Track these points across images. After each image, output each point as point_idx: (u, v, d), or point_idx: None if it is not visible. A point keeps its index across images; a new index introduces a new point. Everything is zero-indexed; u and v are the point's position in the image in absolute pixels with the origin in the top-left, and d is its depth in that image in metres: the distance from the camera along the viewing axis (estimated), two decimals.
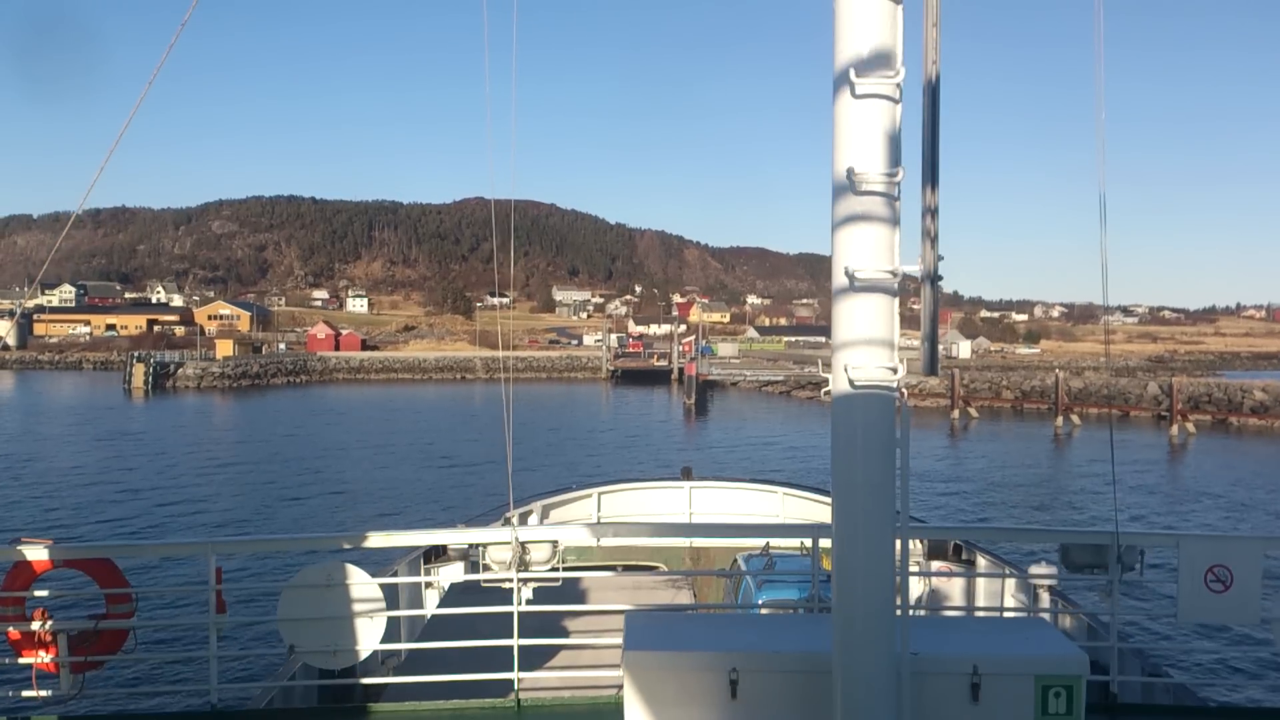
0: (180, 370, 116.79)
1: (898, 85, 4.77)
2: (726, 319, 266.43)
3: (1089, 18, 5.54)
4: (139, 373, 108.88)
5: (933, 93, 5.13)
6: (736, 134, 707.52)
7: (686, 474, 17.20)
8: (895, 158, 4.80)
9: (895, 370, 4.86)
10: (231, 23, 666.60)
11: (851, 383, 4.84)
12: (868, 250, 4.80)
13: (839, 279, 4.85)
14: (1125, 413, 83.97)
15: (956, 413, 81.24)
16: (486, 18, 7.45)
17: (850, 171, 4.74)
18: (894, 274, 4.83)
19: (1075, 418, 76.57)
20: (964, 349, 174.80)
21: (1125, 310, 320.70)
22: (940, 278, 5.16)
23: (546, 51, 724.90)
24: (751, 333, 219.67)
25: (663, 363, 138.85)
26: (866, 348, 4.84)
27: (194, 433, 68.86)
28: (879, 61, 4.73)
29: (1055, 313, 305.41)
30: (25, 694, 7.39)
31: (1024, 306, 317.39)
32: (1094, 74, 5.59)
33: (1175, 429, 69.86)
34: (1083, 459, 57.30)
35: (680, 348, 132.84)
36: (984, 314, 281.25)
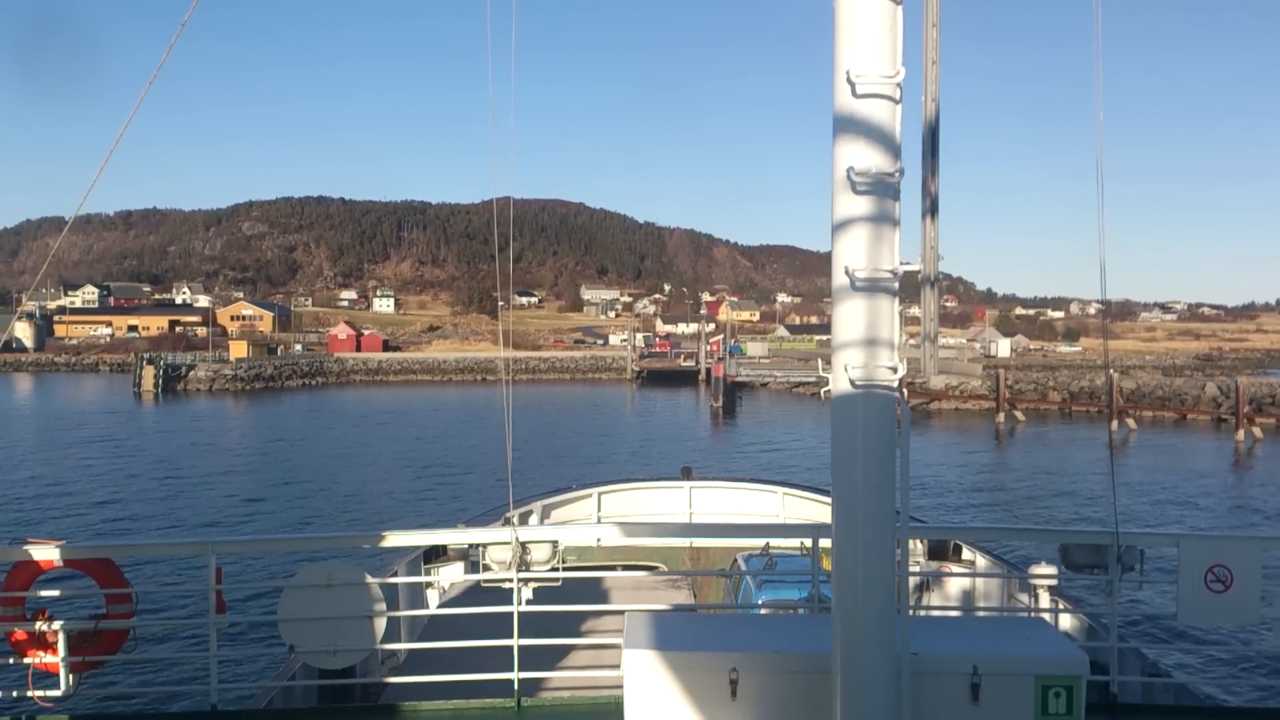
0: (191, 373, 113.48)
1: (898, 85, 4.71)
2: (756, 317, 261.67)
3: (1088, 17, 5.57)
4: (149, 375, 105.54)
5: (933, 92, 5.14)
6: (750, 133, 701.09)
7: (686, 474, 17.04)
8: (895, 157, 4.75)
9: (895, 370, 4.80)
10: (260, 24, 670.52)
11: (852, 383, 4.81)
12: (868, 250, 4.75)
13: (839, 278, 4.83)
14: (1182, 415, 78.59)
15: (1002, 416, 76.02)
16: (490, 21, 7.37)
17: (850, 171, 4.71)
18: (894, 274, 4.77)
19: (1131, 421, 71.26)
20: (1003, 347, 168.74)
21: (1163, 307, 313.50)
22: (939, 278, 5.21)
23: (571, 53, 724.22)
24: (782, 331, 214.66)
25: (689, 363, 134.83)
26: (866, 348, 4.79)
27: (188, 438, 65.47)
28: (879, 61, 4.68)
29: (1091, 309, 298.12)
30: (25, 694, 7.31)
31: (1059, 304, 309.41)
32: (1093, 71, 5.63)
33: (1241, 434, 64.63)
34: (1146, 469, 52.21)
35: (708, 347, 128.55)
36: (1019, 311, 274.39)
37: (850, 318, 4.83)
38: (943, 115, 5.26)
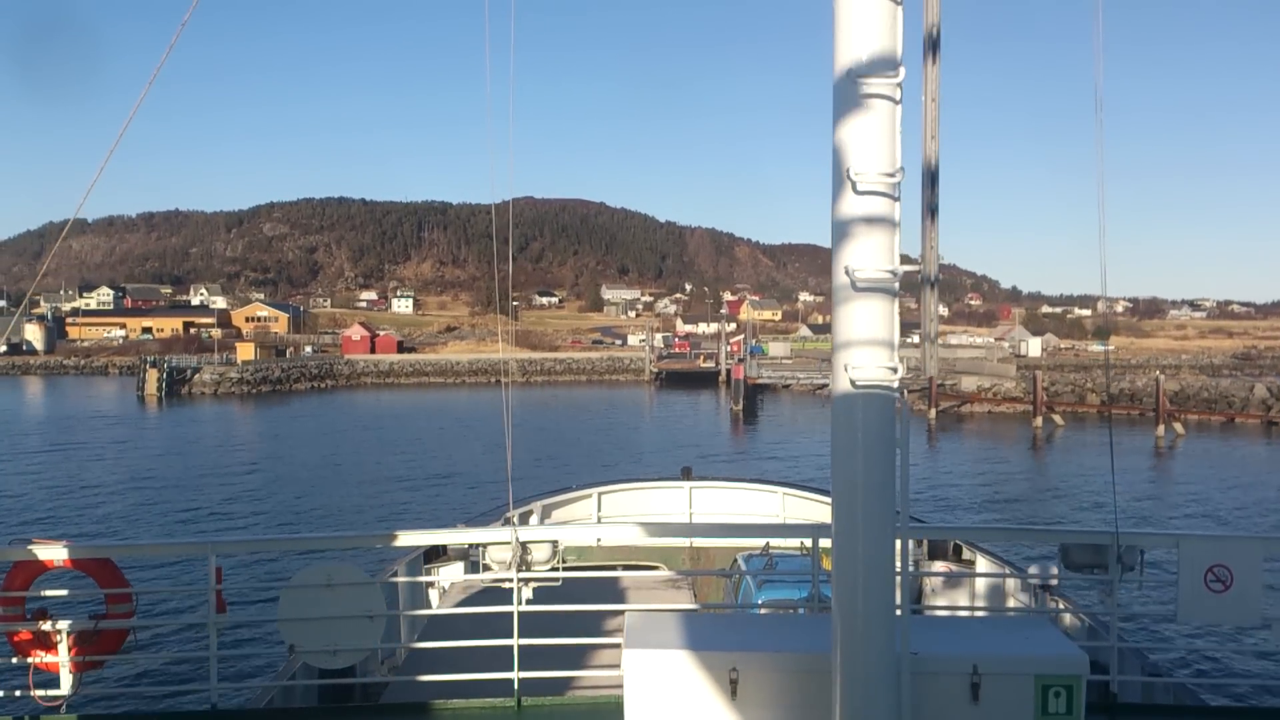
0: (196, 375, 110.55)
1: (898, 85, 4.73)
2: (778, 317, 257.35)
3: (1088, 17, 5.59)
4: (151, 378, 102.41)
5: (932, 92, 5.13)
6: (763, 131, 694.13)
7: (686, 474, 16.98)
8: (895, 158, 4.75)
9: (895, 370, 4.83)
10: (281, 25, 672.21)
11: (852, 383, 4.83)
12: (868, 250, 4.76)
13: (839, 279, 4.85)
14: (1230, 418, 74.15)
15: (1039, 420, 71.59)
16: (488, 22, 7.33)
17: (850, 171, 4.74)
18: (894, 274, 4.79)
19: (1178, 426, 66.84)
20: (1034, 346, 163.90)
21: (1192, 304, 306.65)
22: (939, 278, 5.19)
23: (589, 53, 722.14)
24: (804, 331, 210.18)
25: (709, 364, 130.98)
26: (867, 348, 4.79)
27: (171, 444, 62.74)
28: (879, 61, 4.70)
29: (1119, 308, 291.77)
30: (26, 694, 7.33)
31: (1086, 301, 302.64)
32: (1094, 70, 5.63)
33: None
34: (1201, 479, 47.99)
35: (729, 347, 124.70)
36: (1045, 309, 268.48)
37: (850, 318, 4.80)
38: (947, 114, 5.26)
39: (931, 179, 5.12)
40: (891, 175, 4.71)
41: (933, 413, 77.73)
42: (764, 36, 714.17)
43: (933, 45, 5.03)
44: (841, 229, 4.79)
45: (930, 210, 5.13)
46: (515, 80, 7.41)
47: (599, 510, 16.37)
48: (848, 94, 4.71)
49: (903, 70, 4.70)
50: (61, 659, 7.34)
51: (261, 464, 53.31)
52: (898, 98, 4.73)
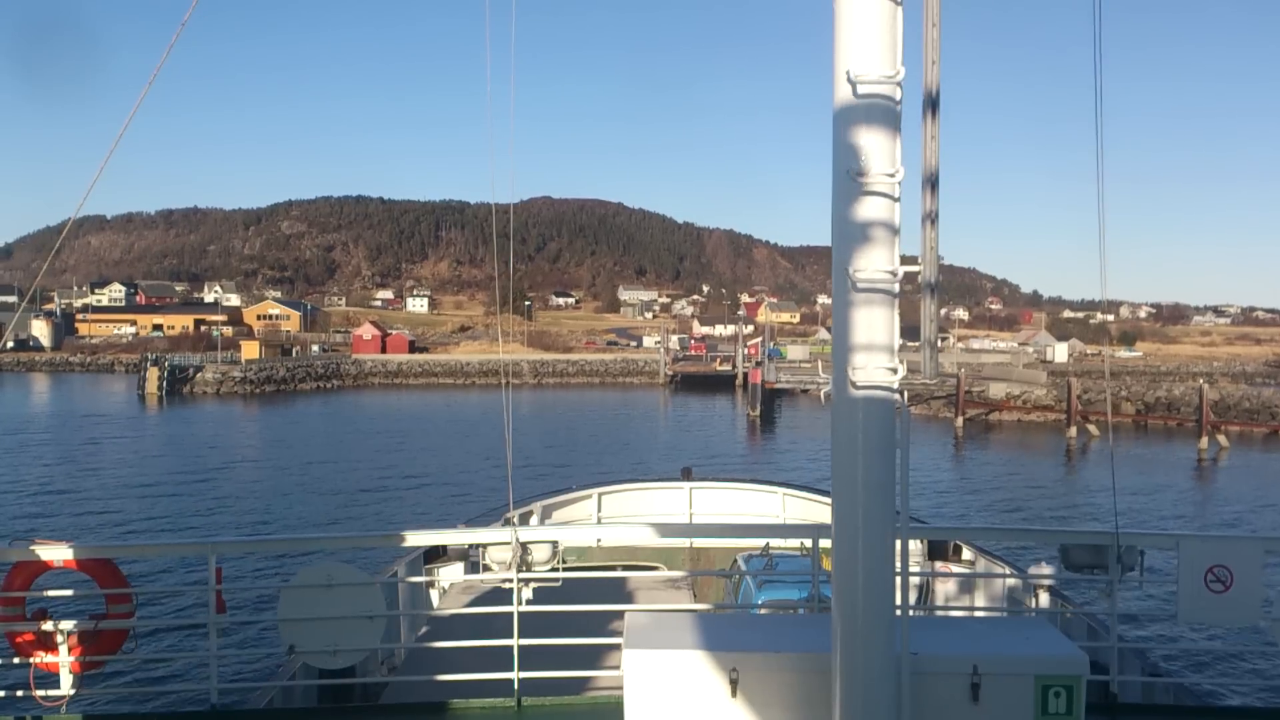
0: (199, 374, 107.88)
1: (898, 85, 4.75)
2: (796, 319, 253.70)
3: (1088, 18, 5.57)
4: (153, 377, 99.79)
5: (933, 93, 5.17)
6: (768, 134, 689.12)
7: (686, 474, 17.07)
8: (895, 158, 4.74)
9: (896, 371, 4.83)
10: (301, 24, 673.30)
11: (853, 384, 4.85)
12: (868, 252, 4.74)
13: (839, 280, 4.88)
14: (1274, 430, 70.29)
15: (1074, 430, 67.86)
16: (489, 23, 7.41)
17: (850, 172, 4.75)
18: (894, 275, 4.78)
19: (1222, 438, 63.03)
20: (1060, 352, 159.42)
21: (1217, 310, 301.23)
22: (939, 280, 5.18)
23: (596, 52, 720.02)
24: (823, 334, 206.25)
25: (725, 367, 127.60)
26: (867, 349, 4.80)
27: (167, 446, 60.13)
28: (879, 61, 4.72)
29: (1142, 313, 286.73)
30: (26, 694, 7.37)
31: (1108, 307, 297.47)
32: (1094, 71, 5.61)
33: None
34: (1259, 496, 44.36)
35: (746, 350, 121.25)
36: (1067, 314, 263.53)
37: (851, 319, 4.80)
38: (957, 118, 5.14)
39: (931, 181, 5.04)
40: (892, 176, 4.65)
41: (960, 420, 74.22)
42: (766, 39, 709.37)
43: (932, 46, 4.94)
44: (842, 230, 4.76)
45: (930, 213, 5.04)
46: (517, 81, 7.29)
47: (599, 511, 16.43)
48: (848, 94, 4.67)
49: (903, 70, 4.65)
50: (62, 659, 7.37)
51: (261, 465, 52.59)
52: (898, 98, 4.67)
